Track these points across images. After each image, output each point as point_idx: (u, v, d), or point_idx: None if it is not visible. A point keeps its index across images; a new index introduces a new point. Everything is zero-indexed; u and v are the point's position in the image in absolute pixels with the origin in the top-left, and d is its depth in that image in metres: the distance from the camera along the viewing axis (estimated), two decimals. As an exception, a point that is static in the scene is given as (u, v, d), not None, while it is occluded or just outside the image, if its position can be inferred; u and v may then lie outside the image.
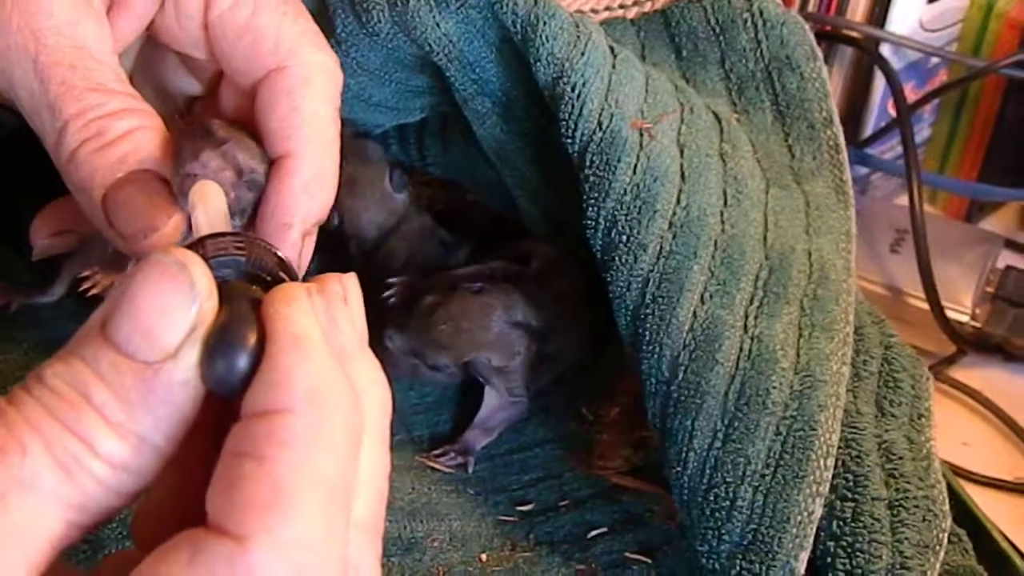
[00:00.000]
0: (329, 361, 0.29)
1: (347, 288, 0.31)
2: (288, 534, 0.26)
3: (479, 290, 0.57)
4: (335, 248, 0.63)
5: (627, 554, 0.53)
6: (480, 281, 0.58)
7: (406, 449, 0.57)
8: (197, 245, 0.31)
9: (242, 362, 0.28)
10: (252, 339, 0.28)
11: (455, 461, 0.57)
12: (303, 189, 0.42)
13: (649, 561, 0.53)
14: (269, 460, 0.27)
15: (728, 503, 0.46)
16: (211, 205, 0.37)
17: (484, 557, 0.52)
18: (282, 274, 0.32)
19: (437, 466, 0.57)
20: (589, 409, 0.59)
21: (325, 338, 0.29)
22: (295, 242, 0.42)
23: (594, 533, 0.54)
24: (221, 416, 0.30)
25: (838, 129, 0.57)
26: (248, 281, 0.31)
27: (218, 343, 0.29)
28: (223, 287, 0.29)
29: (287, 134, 0.42)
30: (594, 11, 0.62)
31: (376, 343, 0.56)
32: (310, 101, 0.43)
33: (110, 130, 0.39)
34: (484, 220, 0.65)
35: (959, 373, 0.72)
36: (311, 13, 0.55)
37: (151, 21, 0.46)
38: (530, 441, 0.59)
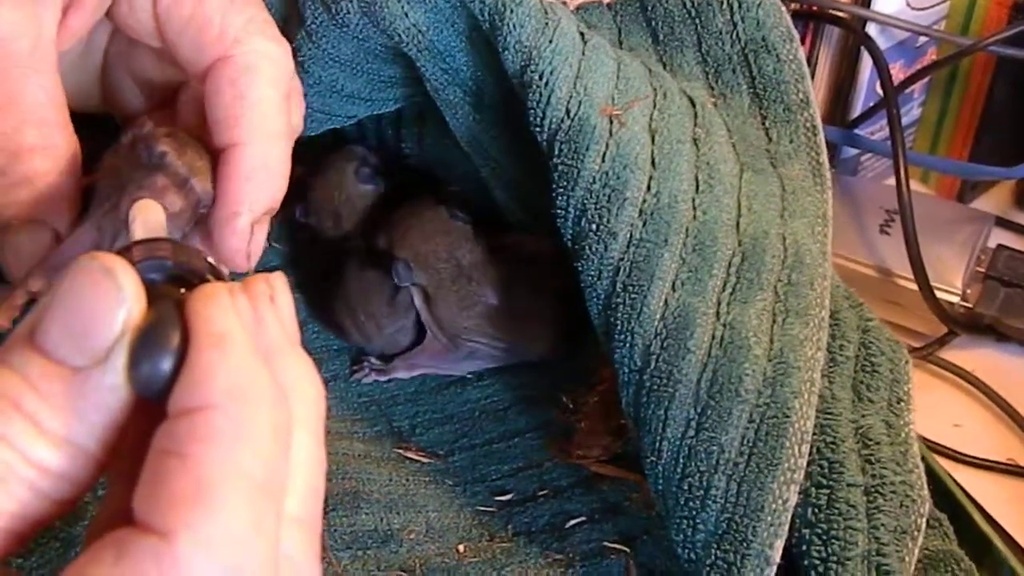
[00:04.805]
0: (251, 357, 0.28)
1: (274, 287, 0.30)
2: (213, 528, 0.26)
3: (453, 216, 0.59)
4: (299, 241, 0.63)
5: (605, 543, 0.53)
6: (467, 222, 0.59)
7: (385, 440, 0.57)
8: (125, 251, 0.31)
9: (165, 364, 0.28)
10: (175, 340, 0.28)
11: (364, 374, 0.60)
12: (248, 178, 0.42)
13: (627, 550, 0.52)
14: (191, 456, 0.27)
15: (702, 492, 0.45)
16: (149, 218, 0.37)
17: (461, 548, 0.52)
18: (210, 277, 0.32)
19: (414, 456, 0.57)
20: (569, 397, 0.59)
21: (248, 336, 0.29)
22: (243, 231, 0.42)
23: (573, 523, 0.54)
24: None
25: (815, 111, 0.57)
26: (177, 284, 0.31)
27: (142, 346, 0.28)
28: (149, 290, 0.29)
29: (232, 123, 0.42)
30: (571, -4, 0.61)
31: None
32: (255, 89, 0.43)
33: (10, 173, 0.40)
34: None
35: (950, 354, 0.71)
36: (280, 6, 0.54)
37: (115, 15, 0.46)
38: (511, 430, 0.59)
